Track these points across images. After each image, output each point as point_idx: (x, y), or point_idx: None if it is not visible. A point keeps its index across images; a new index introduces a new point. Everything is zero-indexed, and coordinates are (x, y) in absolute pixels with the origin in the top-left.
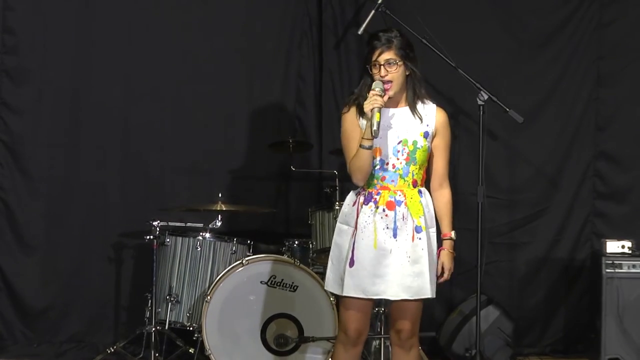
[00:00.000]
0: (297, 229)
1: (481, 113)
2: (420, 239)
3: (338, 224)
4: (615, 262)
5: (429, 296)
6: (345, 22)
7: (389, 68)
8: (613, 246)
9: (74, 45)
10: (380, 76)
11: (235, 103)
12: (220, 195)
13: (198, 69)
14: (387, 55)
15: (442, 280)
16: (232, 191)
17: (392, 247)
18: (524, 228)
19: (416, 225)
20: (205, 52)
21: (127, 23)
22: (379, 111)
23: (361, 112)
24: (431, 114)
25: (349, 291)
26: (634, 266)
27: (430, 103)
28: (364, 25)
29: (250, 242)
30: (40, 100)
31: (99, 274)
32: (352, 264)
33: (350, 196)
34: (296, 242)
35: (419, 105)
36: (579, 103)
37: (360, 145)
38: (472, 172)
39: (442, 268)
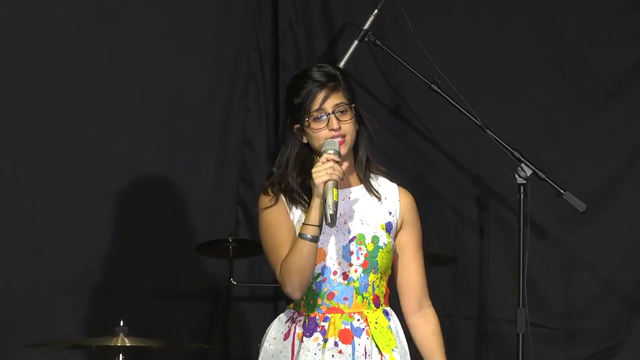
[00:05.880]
0: None
1: (521, 197)
2: None
3: None
4: None
5: None
6: (314, 58)
7: (341, 117)
8: None
9: None
10: (333, 130)
11: (150, 183)
12: (122, 323)
13: (94, 131)
14: (336, 98)
15: None
16: (141, 317)
17: None
18: None
19: None
20: (110, 111)
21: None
22: (336, 185)
23: (292, 200)
24: (392, 195)
25: None
26: None
27: (382, 177)
28: (343, 62)
29: None
30: None
31: None
32: None
33: (277, 325)
34: None
35: (372, 180)
36: None
37: (300, 235)
38: (508, 287)
39: None
